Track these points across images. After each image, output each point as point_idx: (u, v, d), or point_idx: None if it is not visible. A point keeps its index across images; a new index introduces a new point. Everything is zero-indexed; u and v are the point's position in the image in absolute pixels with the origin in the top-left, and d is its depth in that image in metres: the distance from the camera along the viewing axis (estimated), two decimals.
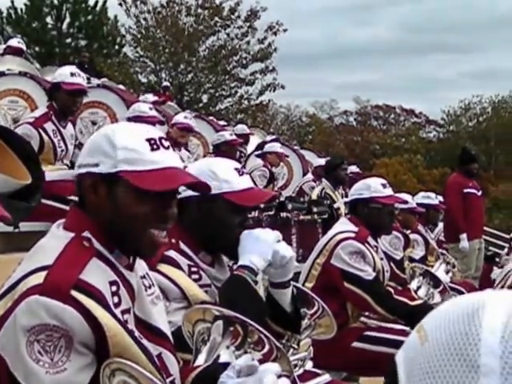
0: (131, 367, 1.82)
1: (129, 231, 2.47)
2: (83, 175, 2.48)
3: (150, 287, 2.64)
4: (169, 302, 3.16)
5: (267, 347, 2.56)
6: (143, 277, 2.63)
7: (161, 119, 8.84)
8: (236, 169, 3.46)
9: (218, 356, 2.42)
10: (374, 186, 5.59)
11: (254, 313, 2.66)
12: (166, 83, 24.50)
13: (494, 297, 1.02)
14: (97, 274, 2.38)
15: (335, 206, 9.81)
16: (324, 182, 10.00)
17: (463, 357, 0.96)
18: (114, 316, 2.31)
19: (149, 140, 2.49)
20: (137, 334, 2.40)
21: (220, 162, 3.69)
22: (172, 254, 3.32)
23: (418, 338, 1.03)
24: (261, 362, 2.56)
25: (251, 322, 2.48)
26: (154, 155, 2.47)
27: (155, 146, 2.50)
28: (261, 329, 2.56)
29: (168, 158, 2.51)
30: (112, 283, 2.43)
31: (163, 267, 3.26)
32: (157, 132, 2.63)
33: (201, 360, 2.45)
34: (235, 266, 3.38)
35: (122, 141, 2.46)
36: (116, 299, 2.42)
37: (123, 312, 2.43)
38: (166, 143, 2.56)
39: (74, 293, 2.24)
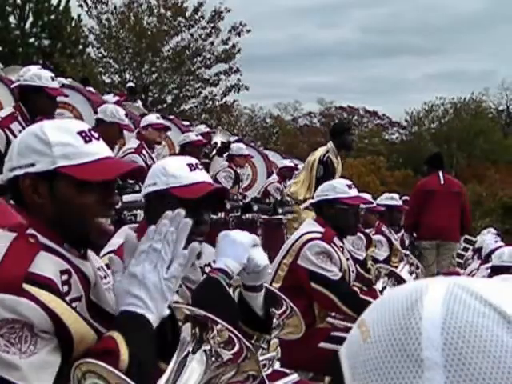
0: (102, 367, 1.81)
1: (76, 223, 2.51)
2: (18, 177, 2.49)
3: (105, 277, 2.64)
4: None
5: (237, 347, 2.56)
6: (98, 268, 2.63)
7: (133, 129, 8.82)
8: (189, 164, 3.46)
9: (188, 354, 2.40)
10: (339, 187, 5.61)
11: (226, 315, 2.66)
12: (130, 84, 24.38)
13: (430, 286, 1.00)
14: (46, 264, 2.38)
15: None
16: (329, 144, 9.72)
17: (406, 352, 0.95)
18: (67, 303, 2.35)
19: (80, 133, 2.53)
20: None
21: (172, 159, 3.71)
22: None
23: (360, 333, 1.02)
24: (231, 361, 2.57)
25: (222, 322, 2.50)
26: (88, 147, 2.51)
27: (87, 138, 2.53)
28: (231, 328, 2.57)
29: (101, 148, 2.56)
30: (63, 272, 2.44)
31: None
32: (84, 124, 2.65)
33: (174, 357, 2.45)
34: (207, 269, 3.39)
35: (55, 137, 2.49)
36: (66, 288, 2.43)
37: (72, 300, 2.43)
38: (96, 134, 2.60)
39: (26, 286, 2.26)
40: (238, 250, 3.32)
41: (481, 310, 0.96)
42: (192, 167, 3.43)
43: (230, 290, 3.36)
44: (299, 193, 9.24)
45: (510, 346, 0.94)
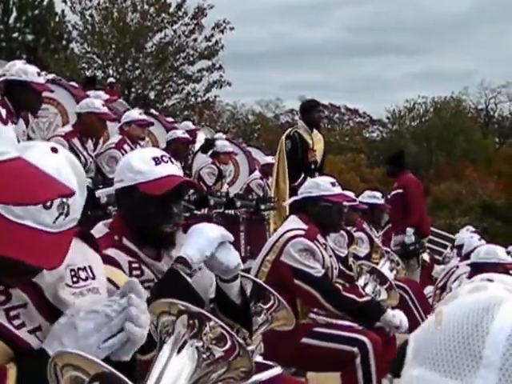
0: (79, 358, 1.79)
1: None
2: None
3: (86, 279, 2.48)
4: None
5: (229, 344, 2.55)
6: (81, 268, 2.49)
7: (113, 117, 8.79)
8: (154, 158, 3.43)
9: (182, 347, 2.39)
10: (323, 185, 5.62)
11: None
12: (111, 79, 24.32)
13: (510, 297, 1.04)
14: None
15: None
16: (299, 122, 9.76)
17: (469, 346, 0.99)
18: None
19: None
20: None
21: (138, 153, 3.70)
22: (111, 252, 3.30)
23: (434, 321, 1.06)
24: (222, 358, 2.57)
25: (215, 318, 2.48)
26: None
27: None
28: (224, 325, 2.56)
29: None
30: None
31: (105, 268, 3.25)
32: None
33: (166, 350, 2.40)
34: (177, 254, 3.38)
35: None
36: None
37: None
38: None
39: None
40: (202, 241, 3.30)
41: None
42: (157, 161, 3.39)
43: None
44: (276, 193, 9.27)
45: None
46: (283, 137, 9.45)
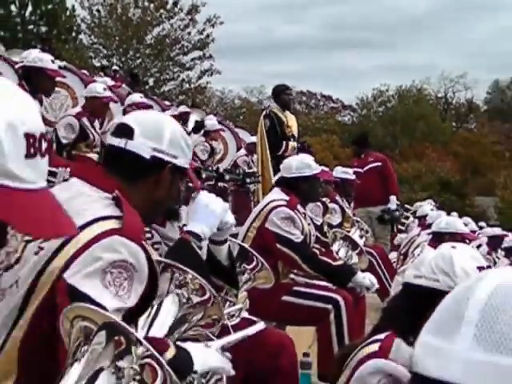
0: (86, 309, 1.74)
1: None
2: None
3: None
4: None
5: (207, 295, 2.58)
6: None
7: (115, 99, 8.76)
8: None
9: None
10: (313, 165, 5.67)
11: (196, 271, 2.65)
12: (115, 67, 24.21)
13: (500, 271, 1.06)
14: None
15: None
16: (272, 104, 9.90)
17: (456, 309, 1.01)
18: None
19: None
20: None
21: None
22: None
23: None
24: (199, 304, 2.58)
25: (192, 272, 2.57)
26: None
27: None
28: (200, 278, 2.61)
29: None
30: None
31: None
32: None
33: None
34: (185, 229, 3.35)
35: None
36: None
37: None
38: None
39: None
40: (212, 217, 3.27)
41: None
42: None
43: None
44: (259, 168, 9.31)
45: None
46: (261, 117, 9.46)
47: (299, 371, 4.75)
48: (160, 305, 2.49)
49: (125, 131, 2.62)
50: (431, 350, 1.00)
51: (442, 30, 77.90)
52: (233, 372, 2.67)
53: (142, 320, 2.42)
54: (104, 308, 2.13)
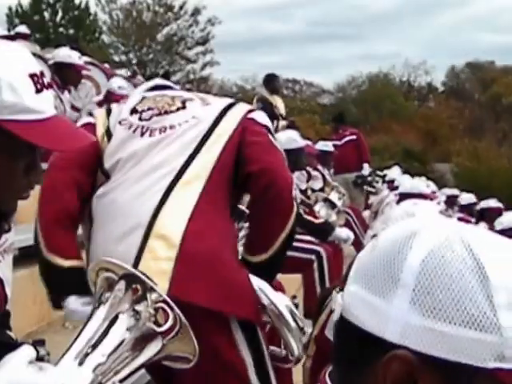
0: (108, 263, 1.71)
1: None
2: None
3: None
4: None
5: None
6: None
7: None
8: None
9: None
10: (299, 140, 5.68)
11: None
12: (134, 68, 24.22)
13: (430, 225, 0.92)
14: None
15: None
16: (262, 89, 9.87)
17: (390, 270, 0.89)
18: None
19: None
20: None
21: None
22: None
23: (371, 245, 0.96)
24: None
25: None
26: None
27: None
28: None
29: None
30: None
31: None
32: None
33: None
34: None
35: None
36: None
37: None
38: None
39: None
40: None
41: (462, 255, 0.87)
42: None
43: None
44: None
45: (473, 291, 0.85)
46: (254, 100, 9.46)
47: None
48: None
49: None
50: (367, 305, 0.90)
51: (404, 24, 77.66)
52: None
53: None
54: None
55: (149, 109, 2.67)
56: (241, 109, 2.64)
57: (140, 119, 2.64)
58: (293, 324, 2.47)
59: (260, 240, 2.43)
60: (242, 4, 72.74)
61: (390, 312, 0.87)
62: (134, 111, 2.69)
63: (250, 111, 2.65)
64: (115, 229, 2.44)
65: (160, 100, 2.70)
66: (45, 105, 1.47)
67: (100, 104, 7.73)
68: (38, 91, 1.45)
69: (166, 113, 2.64)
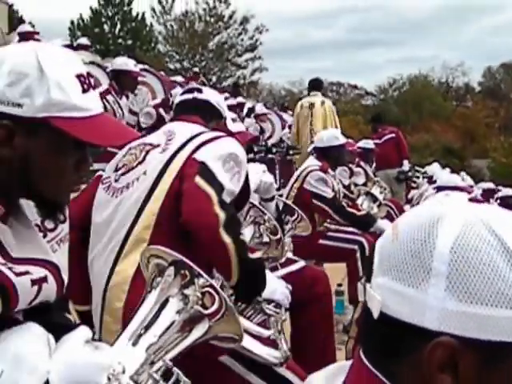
0: (159, 250, 1.70)
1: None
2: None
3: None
4: None
5: (279, 235, 2.42)
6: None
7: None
8: (231, 119, 3.40)
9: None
10: (340, 137, 5.66)
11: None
12: (195, 69, 24.35)
13: (453, 210, 0.90)
14: None
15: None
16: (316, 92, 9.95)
17: (420, 259, 0.87)
18: None
19: None
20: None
21: None
22: None
23: (391, 234, 0.93)
24: (267, 244, 2.44)
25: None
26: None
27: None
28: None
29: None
30: None
31: None
32: None
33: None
34: None
35: None
36: None
37: None
38: None
39: None
40: (252, 176, 3.25)
41: (487, 238, 0.86)
42: (234, 120, 3.37)
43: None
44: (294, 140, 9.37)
45: (503, 272, 0.85)
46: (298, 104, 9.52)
47: (335, 298, 4.74)
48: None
49: None
50: (400, 297, 0.88)
51: (442, 29, 76.63)
52: (287, 304, 2.63)
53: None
54: (222, 186, 2.22)
55: (123, 165, 2.53)
56: (190, 148, 2.44)
57: (115, 179, 2.51)
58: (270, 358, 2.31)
59: (220, 273, 2.30)
60: (287, 13, 72.73)
61: (427, 301, 0.86)
62: (116, 168, 2.55)
63: (198, 147, 2.44)
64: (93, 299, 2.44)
65: (133, 153, 2.54)
66: (91, 103, 1.47)
67: (155, 107, 7.80)
68: (85, 91, 1.46)
69: (129, 170, 2.49)
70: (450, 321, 0.85)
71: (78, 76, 1.46)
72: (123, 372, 1.41)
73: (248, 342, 2.06)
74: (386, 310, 0.90)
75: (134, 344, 1.55)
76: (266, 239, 2.48)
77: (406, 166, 10.97)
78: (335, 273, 5.44)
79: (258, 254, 2.66)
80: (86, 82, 1.47)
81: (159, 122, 7.65)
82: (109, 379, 1.35)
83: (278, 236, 2.46)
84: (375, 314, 0.91)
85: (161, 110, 7.82)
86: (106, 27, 34.88)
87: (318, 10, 76.83)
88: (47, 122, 1.40)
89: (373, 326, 0.93)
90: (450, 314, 0.85)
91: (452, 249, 0.86)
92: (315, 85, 9.83)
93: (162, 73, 14.02)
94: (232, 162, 2.32)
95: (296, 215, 3.86)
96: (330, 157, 5.54)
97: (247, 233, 2.49)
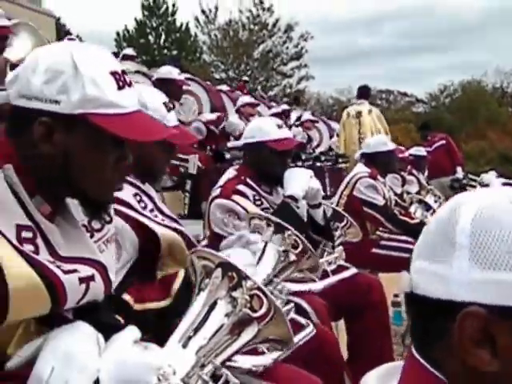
0: (205, 252, 1.76)
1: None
2: None
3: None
4: (240, 220, 3.16)
5: (301, 247, 2.51)
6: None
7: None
8: (277, 125, 3.43)
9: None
10: (388, 143, 5.63)
11: (295, 226, 2.63)
12: (245, 78, 24.52)
13: (476, 196, 0.96)
14: None
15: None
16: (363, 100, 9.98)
17: (444, 236, 0.94)
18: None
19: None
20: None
21: (265, 120, 3.70)
22: (242, 187, 3.31)
23: (431, 219, 1.02)
24: (295, 262, 2.49)
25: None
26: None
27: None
28: (296, 232, 2.52)
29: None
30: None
31: (236, 197, 3.25)
32: None
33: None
34: (285, 194, 3.36)
35: None
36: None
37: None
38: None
39: None
40: (300, 181, 3.29)
41: (506, 207, 0.91)
42: (279, 127, 3.40)
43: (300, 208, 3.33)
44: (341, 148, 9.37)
45: None
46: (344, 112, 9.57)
47: (392, 309, 4.71)
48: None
49: None
50: (431, 275, 0.94)
51: (494, 33, 75.56)
52: None
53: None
54: None
55: None
56: None
57: None
58: None
59: None
60: (333, 19, 72.63)
61: (453, 274, 0.91)
62: None
63: None
64: None
65: None
66: (127, 100, 1.52)
67: (206, 124, 7.85)
68: (120, 88, 1.50)
69: None
70: (477, 290, 0.89)
71: (113, 73, 1.50)
72: (173, 374, 1.44)
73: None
74: (418, 291, 0.96)
75: (184, 346, 1.57)
76: (292, 257, 2.52)
77: (460, 173, 10.87)
78: (391, 283, 5.38)
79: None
80: (121, 80, 1.51)
81: (207, 139, 7.69)
82: (159, 380, 1.37)
83: (300, 247, 2.49)
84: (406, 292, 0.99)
85: (212, 127, 7.89)
86: (150, 38, 35.42)
87: (365, 16, 76.53)
88: (84, 118, 1.44)
89: (414, 316, 0.96)
90: (475, 284, 0.89)
91: (473, 221, 0.91)
92: (363, 92, 9.85)
93: (208, 83, 14.15)
94: None
95: (345, 221, 3.87)
96: (379, 163, 5.50)
97: (270, 259, 2.50)
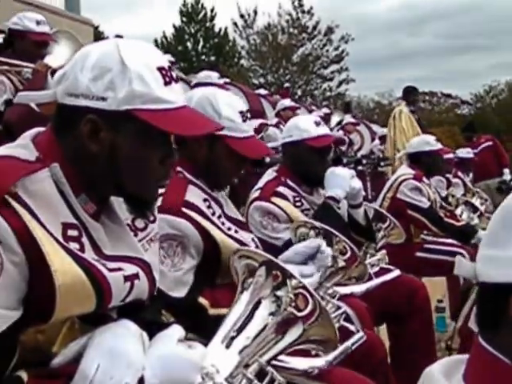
0: (249, 251, 1.77)
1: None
2: None
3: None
4: (279, 222, 3.15)
5: (349, 253, 2.47)
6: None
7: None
8: (315, 121, 3.41)
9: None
10: (432, 142, 5.54)
11: (337, 227, 2.60)
12: (287, 84, 24.59)
13: None
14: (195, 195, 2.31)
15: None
16: (401, 102, 9.88)
17: (504, 223, 0.99)
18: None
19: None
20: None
21: (304, 118, 3.66)
22: (281, 189, 3.30)
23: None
24: (344, 268, 2.47)
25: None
26: None
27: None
28: (344, 238, 2.47)
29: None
30: (205, 200, 2.33)
31: (275, 199, 3.25)
32: None
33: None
34: (326, 194, 3.35)
35: None
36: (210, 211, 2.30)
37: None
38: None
39: (184, 210, 2.17)
40: (342, 182, 3.28)
41: None
42: (317, 123, 3.38)
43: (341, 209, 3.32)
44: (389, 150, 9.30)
45: None
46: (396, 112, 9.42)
47: (435, 314, 4.66)
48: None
49: None
50: (493, 261, 0.97)
51: None
52: None
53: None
54: None
55: None
56: None
57: None
58: None
59: None
60: (373, 20, 72.25)
61: (508, 256, 0.94)
62: None
63: None
64: None
65: None
66: (174, 95, 1.52)
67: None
68: (167, 83, 1.50)
69: None
70: None
71: (160, 69, 1.50)
72: (217, 373, 1.45)
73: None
74: (483, 279, 0.99)
75: (228, 346, 1.58)
76: (341, 264, 2.49)
77: (507, 175, 10.71)
78: (435, 288, 5.34)
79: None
80: (168, 75, 1.51)
81: None
82: (203, 378, 1.38)
83: (349, 254, 2.46)
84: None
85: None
86: (189, 44, 35.70)
87: (405, 17, 76.00)
88: (132, 114, 1.45)
89: (481, 303, 0.98)
90: None
91: None
92: (403, 93, 9.81)
93: (244, 87, 14.23)
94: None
95: (388, 222, 3.84)
96: (422, 163, 5.42)
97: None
